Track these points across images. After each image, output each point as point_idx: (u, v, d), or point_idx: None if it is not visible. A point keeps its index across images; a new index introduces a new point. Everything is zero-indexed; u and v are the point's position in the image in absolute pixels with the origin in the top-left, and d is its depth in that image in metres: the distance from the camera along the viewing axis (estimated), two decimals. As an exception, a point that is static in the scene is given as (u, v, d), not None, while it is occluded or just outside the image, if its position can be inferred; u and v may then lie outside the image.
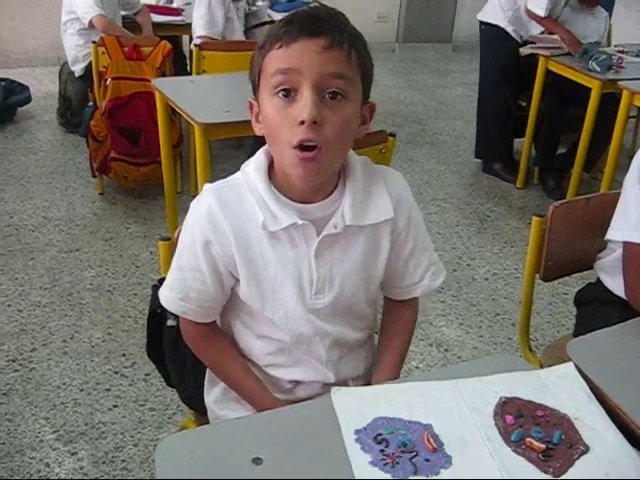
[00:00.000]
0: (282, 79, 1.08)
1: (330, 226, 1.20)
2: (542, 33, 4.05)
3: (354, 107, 1.13)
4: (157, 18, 4.56)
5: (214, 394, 1.39)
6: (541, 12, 3.86)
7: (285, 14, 3.97)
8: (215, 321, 1.33)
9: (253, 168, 1.21)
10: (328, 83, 1.08)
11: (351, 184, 1.21)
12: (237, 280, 1.23)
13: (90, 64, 3.85)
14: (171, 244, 1.45)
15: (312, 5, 1.15)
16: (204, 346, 1.33)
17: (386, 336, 1.40)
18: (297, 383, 1.31)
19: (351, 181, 1.22)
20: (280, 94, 1.09)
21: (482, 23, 4.25)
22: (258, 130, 1.19)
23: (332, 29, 1.08)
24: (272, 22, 4.34)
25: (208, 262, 1.21)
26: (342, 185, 1.22)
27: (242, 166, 1.24)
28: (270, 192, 1.18)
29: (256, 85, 1.15)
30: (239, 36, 4.19)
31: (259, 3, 4.85)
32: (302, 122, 1.06)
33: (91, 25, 4.05)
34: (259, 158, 1.22)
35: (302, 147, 1.08)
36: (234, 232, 1.18)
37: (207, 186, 1.23)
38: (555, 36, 3.96)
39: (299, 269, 1.21)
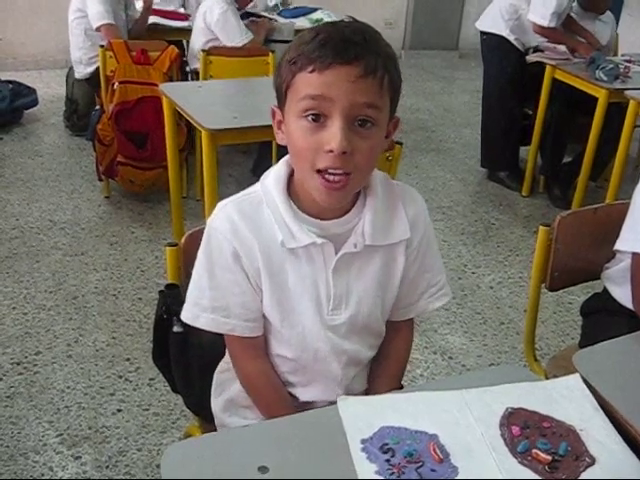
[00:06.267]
0: (312, 104, 1.07)
1: (350, 244, 1.19)
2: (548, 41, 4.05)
3: (382, 131, 1.13)
4: (164, 22, 4.58)
5: (222, 401, 1.39)
6: (544, 22, 3.83)
7: (292, 20, 3.98)
8: (262, 339, 1.28)
9: (272, 181, 1.19)
10: (359, 111, 1.07)
11: (371, 202, 1.20)
12: (261, 291, 1.22)
13: (97, 68, 3.87)
14: (178, 250, 1.45)
15: (346, 20, 1.12)
16: (249, 361, 1.28)
17: (380, 360, 1.37)
18: (309, 403, 1.30)
19: (372, 199, 1.21)
20: (309, 118, 1.07)
21: (483, 33, 4.23)
22: (280, 139, 1.17)
23: (367, 55, 1.06)
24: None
25: (242, 273, 1.19)
26: (362, 201, 1.21)
27: (262, 177, 1.23)
28: (288, 208, 1.17)
29: (282, 97, 1.13)
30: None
31: (271, 3, 4.89)
32: (330, 151, 1.06)
33: (99, 30, 4.08)
34: (279, 170, 1.20)
35: (328, 172, 1.08)
36: (258, 244, 1.17)
37: (223, 203, 1.21)
38: (563, 48, 3.95)
39: (316, 284, 1.21)
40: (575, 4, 4.08)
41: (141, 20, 4.41)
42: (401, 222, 1.23)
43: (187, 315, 1.24)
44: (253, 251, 1.17)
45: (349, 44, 1.05)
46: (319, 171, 1.09)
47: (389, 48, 1.12)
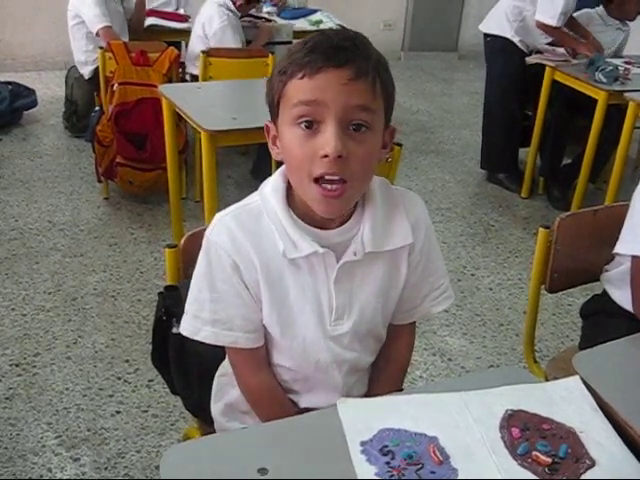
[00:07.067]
0: (305, 111, 1.05)
1: (350, 253, 1.18)
2: (549, 44, 4.06)
3: (377, 137, 1.11)
4: (163, 23, 4.58)
5: (221, 406, 1.38)
6: (552, 22, 3.82)
7: (291, 21, 3.99)
8: (263, 349, 1.27)
9: (271, 191, 1.18)
10: (352, 115, 1.06)
11: (371, 209, 1.19)
12: (261, 302, 1.21)
13: (98, 68, 3.87)
14: (177, 251, 1.45)
15: (335, 28, 1.11)
16: (251, 374, 1.28)
17: (381, 364, 1.37)
18: (309, 409, 1.30)
19: (371, 206, 1.19)
20: (302, 125, 1.06)
21: (487, 35, 4.23)
22: (275, 154, 1.16)
23: (357, 58, 1.05)
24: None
25: (242, 285, 1.18)
26: (361, 209, 1.20)
27: (260, 187, 1.21)
28: (289, 218, 1.15)
29: (275, 110, 1.12)
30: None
31: (266, 9, 4.88)
32: (325, 155, 1.05)
33: (98, 34, 4.09)
34: (277, 180, 1.19)
35: (324, 180, 1.07)
36: (257, 256, 1.16)
37: (221, 214, 1.20)
38: (562, 50, 3.95)
39: (318, 296, 1.20)
40: (600, 8, 4.09)
41: (136, 14, 4.41)
42: (402, 227, 1.22)
43: (187, 328, 1.23)
44: (252, 263, 1.16)
45: (339, 49, 1.05)
46: (316, 181, 1.07)
47: (380, 54, 1.11)
